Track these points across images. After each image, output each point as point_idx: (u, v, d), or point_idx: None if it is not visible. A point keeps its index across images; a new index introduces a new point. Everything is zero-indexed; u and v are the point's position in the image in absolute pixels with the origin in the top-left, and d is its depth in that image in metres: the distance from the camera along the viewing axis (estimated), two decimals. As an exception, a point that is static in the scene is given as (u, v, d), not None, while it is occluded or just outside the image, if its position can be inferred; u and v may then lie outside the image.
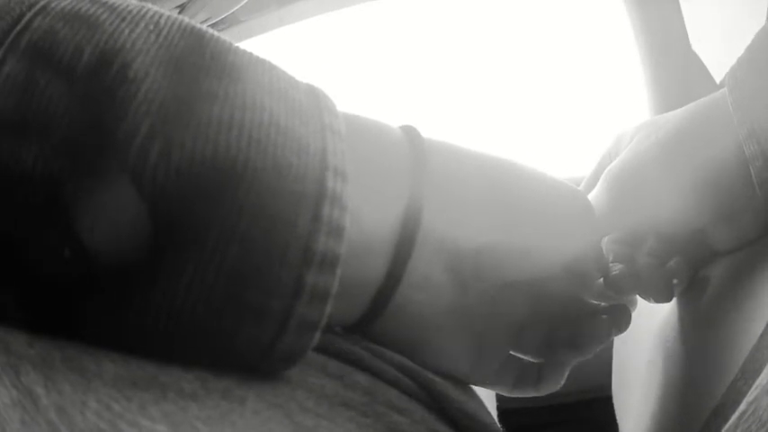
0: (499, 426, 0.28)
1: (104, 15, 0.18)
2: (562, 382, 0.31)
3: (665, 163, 0.32)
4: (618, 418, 0.44)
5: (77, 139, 0.17)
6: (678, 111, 0.33)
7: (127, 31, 0.18)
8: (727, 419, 0.22)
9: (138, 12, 0.19)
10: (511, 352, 0.31)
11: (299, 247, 0.18)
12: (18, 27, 0.17)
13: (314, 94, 0.22)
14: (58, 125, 0.17)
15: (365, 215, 0.23)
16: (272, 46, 0.79)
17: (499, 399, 0.42)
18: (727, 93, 0.30)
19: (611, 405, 0.46)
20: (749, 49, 0.30)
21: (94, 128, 0.17)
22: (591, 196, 0.35)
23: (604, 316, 0.31)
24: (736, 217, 0.32)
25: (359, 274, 0.24)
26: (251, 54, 0.21)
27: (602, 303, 0.32)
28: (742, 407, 0.22)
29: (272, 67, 0.21)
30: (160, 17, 0.19)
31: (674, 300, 0.37)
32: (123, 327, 0.18)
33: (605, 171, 0.34)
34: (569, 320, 0.31)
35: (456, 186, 0.26)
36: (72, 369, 0.15)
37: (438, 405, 0.25)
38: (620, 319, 0.31)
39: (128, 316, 0.18)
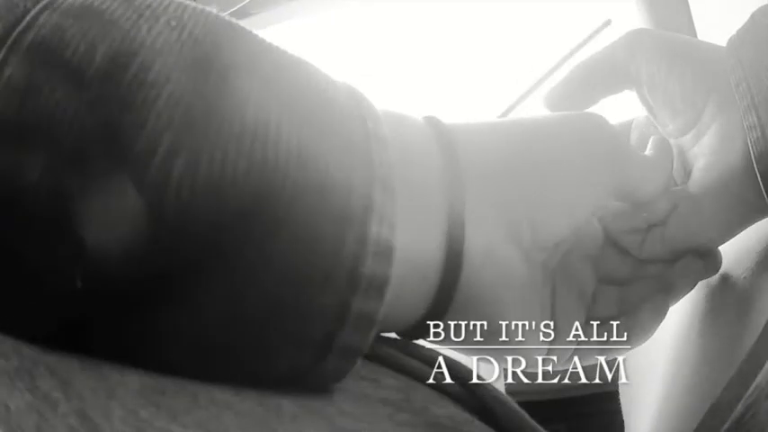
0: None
1: (120, 10, 0.16)
2: (656, 328, 0.29)
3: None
4: (624, 413, 0.44)
5: (88, 151, 0.15)
6: None
7: (145, 28, 0.16)
8: (724, 421, 0.23)
9: (159, 5, 0.17)
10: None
11: (344, 272, 0.17)
12: (22, 24, 0.15)
13: (354, 97, 0.19)
14: (66, 135, 0.15)
15: (408, 223, 0.21)
16: (283, 39, 0.79)
17: (507, 393, 0.42)
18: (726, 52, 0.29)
19: (618, 400, 0.46)
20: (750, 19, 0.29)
21: (108, 138, 0.15)
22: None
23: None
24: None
25: (411, 282, 0.22)
26: (285, 51, 0.19)
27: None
28: (739, 408, 0.22)
29: (310, 67, 0.19)
30: (184, 10, 0.17)
31: (679, 301, 0.37)
32: (147, 351, 0.16)
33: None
34: (644, 268, 0.29)
35: (486, 162, 0.24)
36: (92, 376, 0.14)
37: (473, 396, 0.24)
38: (710, 260, 0.29)
39: (151, 341, 0.16)
